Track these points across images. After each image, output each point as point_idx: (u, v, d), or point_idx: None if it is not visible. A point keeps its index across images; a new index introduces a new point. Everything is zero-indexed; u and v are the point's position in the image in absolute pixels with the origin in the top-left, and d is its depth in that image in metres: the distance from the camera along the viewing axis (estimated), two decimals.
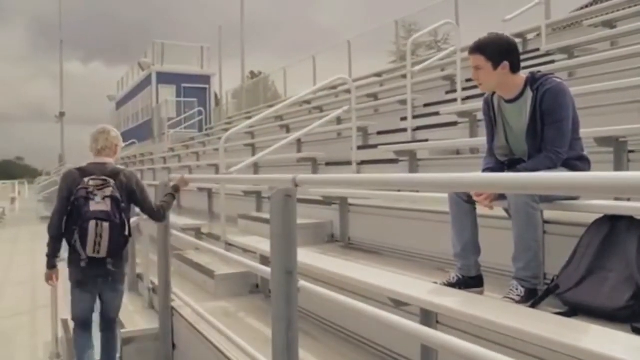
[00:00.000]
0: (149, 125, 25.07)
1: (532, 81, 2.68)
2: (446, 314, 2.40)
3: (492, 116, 2.86)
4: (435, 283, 2.80)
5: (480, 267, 2.77)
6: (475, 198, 2.66)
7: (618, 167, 3.27)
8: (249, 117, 13.84)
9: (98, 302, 3.89)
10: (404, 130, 6.56)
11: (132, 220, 3.95)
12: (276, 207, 2.06)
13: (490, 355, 1.49)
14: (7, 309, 7.70)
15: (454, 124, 5.87)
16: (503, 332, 2.07)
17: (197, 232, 6.26)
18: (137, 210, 4.01)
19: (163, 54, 26.25)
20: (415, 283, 2.94)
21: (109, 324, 3.96)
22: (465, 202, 2.74)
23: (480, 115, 4.13)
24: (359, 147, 6.27)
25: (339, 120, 8.21)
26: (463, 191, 2.60)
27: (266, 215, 4.49)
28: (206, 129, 20.99)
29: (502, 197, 2.59)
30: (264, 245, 4.06)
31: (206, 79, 26.39)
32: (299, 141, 8.26)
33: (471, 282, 2.74)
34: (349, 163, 6.02)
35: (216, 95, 26.98)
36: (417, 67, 7.20)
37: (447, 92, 7.80)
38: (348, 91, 8.57)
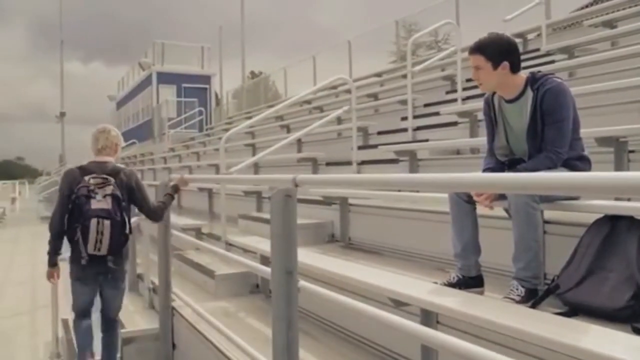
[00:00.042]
0: (150, 125, 25.09)
1: (533, 81, 2.68)
2: (446, 314, 2.40)
3: (492, 116, 2.86)
4: (436, 283, 2.80)
5: (480, 267, 2.77)
6: (475, 198, 2.66)
7: (618, 167, 3.27)
8: (250, 117, 13.84)
9: (99, 300, 3.91)
10: (404, 130, 6.56)
11: (133, 220, 3.97)
12: (276, 207, 2.06)
13: (491, 355, 1.49)
14: (7, 309, 7.70)
15: (454, 124, 5.87)
16: (503, 332, 2.07)
17: (198, 232, 6.26)
18: (137, 210, 4.02)
19: (163, 54, 26.25)
20: (416, 283, 2.94)
21: (110, 324, 3.97)
22: (465, 202, 2.74)
23: (480, 115, 4.14)
24: (359, 147, 6.27)
25: (339, 120, 8.22)
26: (463, 191, 2.60)
27: (266, 215, 4.50)
28: (206, 129, 21.00)
29: (502, 197, 2.59)
30: (264, 245, 4.06)
31: (206, 79, 26.39)
32: (299, 141, 8.26)
33: (471, 282, 2.74)
34: (349, 163, 6.02)
35: (216, 95, 26.99)
36: (418, 67, 7.20)
37: (448, 92, 7.80)
38: (348, 91, 8.57)
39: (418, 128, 6.46)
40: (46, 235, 3.80)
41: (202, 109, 22.49)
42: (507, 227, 2.60)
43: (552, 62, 6.18)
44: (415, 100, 7.30)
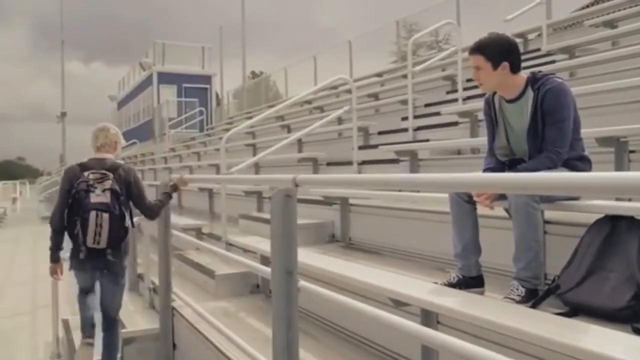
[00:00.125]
0: (150, 125, 25.12)
1: (533, 81, 2.68)
2: (447, 314, 2.39)
3: (492, 116, 2.85)
4: (436, 283, 2.80)
5: (480, 267, 2.77)
6: (475, 198, 2.66)
7: (619, 167, 3.27)
8: (250, 117, 13.84)
9: (99, 298, 3.97)
10: (405, 130, 6.56)
11: (135, 219, 3.99)
12: (276, 207, 2.06)
13: (491, 355, 1.49)
14: (8, 309, 7.72)
15: (455, 124, 5.87)
16: (503, 333, 2.07)
17: (198, 232, 6.26)
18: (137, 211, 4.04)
19: (164, 54, 26.28)
20: (416, 283, 2.93)
21: (111, 323, 3.98)
22: (465, 202, 2.73)
23: (481, 115, 4.13)
24: (360, 147, 6.27)
25: (339, 120, 8.22)
26: (464, 191, 2.60)
27: (267, 215, 4.50)
28: (207, 129, 21.00)
29: (502, 197, 2.59)
30: (264, 245, 4.06)
31: (207, 79, 26.42)
32: (299, 141, 8.26)
33: (472, 282, 2.74)
34: (349, 163, 6.02)
35: (217, 95, 26.99)
36: (418, 67, 7.19)
37: (448, 92, 7.80)
38: (349, 91, 8.57)
39: (419, 128, 6.46)
40: (47, 235, 3.85)
41: (203, 109, 22.50)
42: (507, 227, 2.59)
43: (553, 62, 6.18)
44: (416, 100, 7.30)
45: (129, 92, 31.30)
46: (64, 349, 5.07)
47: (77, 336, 4.60)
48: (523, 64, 2.81)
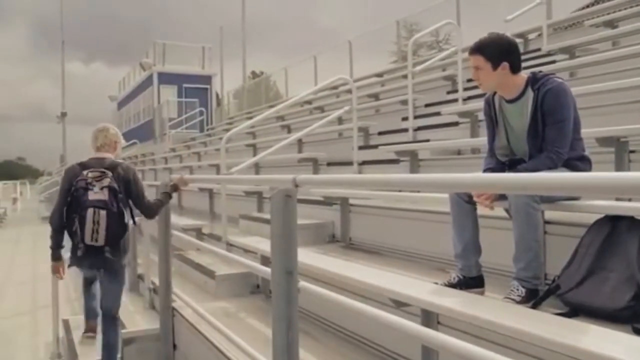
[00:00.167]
0: (151, 126, 25.12)
1: (533, 81, 2.68)
2: (447, 314, 2.39)
3: (493, 116, 2.85)
4: (436, 283, 2.80)
5: (481, 267, 2.77)
6: (475, 198, 2.66)
7: (619, 167, 3.27)
8: (250, 117, 13.84)
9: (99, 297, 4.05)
10: (405, 130, 6.55)
11: (136, 219, 4.01)
12: (276, 208, 2.06)
13: (491, 355, 1.49)
14: (8, 309, 7.71)
15: (455, 124, 5.86)
16: (504, 333, 2.07)
17: (198, 233, 6.26)
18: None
19: (164, 54, 26.28)
20: (416, 283, 2.93)
21: (110, 322, 3.97)
22: (466, 203, 2.73)
23: (481, 116, 4.13)
24: (360, 147, 6.26)
25: (340, 121, 8.21)
26: (464, 191, 2.60)
27: (267, 216, 4.49)
28: (207, 129, 20.99)
29: (502, 197, 2.58)
30: (264, 246, 4.06)
31: (207, 79, 26.41)
32: (300, 141, 8.26)
33: (472, 282, 2.74)
34: (350, 163, 6.01)
35: (217, 96, 26.99)
36: (418, 67, 7.19)
37: (448, 92, 7.80)
38: (349, 91, 8.56)
39: (419, 128, 6.46)
40: (47, 235, 3.87)
41: (203, 109, 22.51)
42: (507, 227, 2.59)
43: (553, 62, 6.18)
44: (416, 100, 7.30)
45: (129, 92, 31.31)
46: (64, 349, 5.06)
47: (77, 336, 4.61)
48: (523, 64, 2.81)
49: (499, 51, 2.66)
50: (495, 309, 2.28)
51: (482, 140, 3.53)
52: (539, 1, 7.39)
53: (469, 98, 6.36)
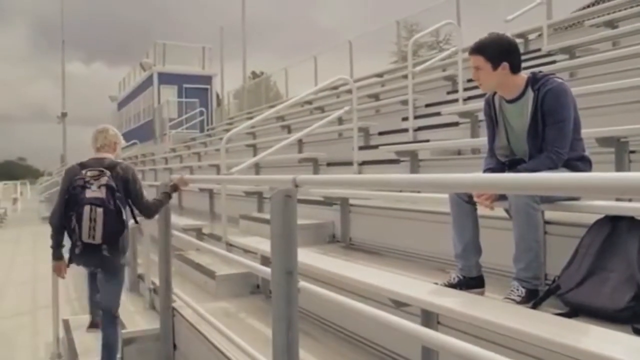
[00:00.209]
0: (151, 126, 25.11)
1: (534, 81, 2.68)
2: (447, 314, 2.39)
3: (493, 116, 2.85)
4: (436, 284, 2.80)
5: (481, 267, 2.77)
6: (475, 199, 2.65)
7: (619, 167, 3.27)
8: (251, 118, 13.85)
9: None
10: (405, 130, 6.55)
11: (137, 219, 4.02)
12: (276, 208, 2.06)
13: (491, 356, 1.49)
14: (8, 309, 7.72)
15: (455, 124, 5.86)
16: (504, 333, 2.07)
17: (198, 233, 6.26)
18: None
19: (164, 55, 26.26)
20: (416, 283, 2.93)
21: (110, 321, 3.98)
22: (466, 203, 2.73)
23: (481, 116, 4.13)
24: (360, 148, 6.26)
25: (340, 121, 8.21)
26: (464, 192, 2.60)
27: (267, 216, 4.49)
28: (207, 130, 21.00)
29: (502, 197, 2.58)
30: (264, 246, 4.06)
31: (207, 79, 26.40)
32: (300, 141, 8.26)
33: (472, 282, 2.73)
34: (350, 163, 6.01)
35: (218, 96, 26.99)
36: (419, 68, 7.19)
37: (449, 93, 7.80)
38: (349, 91, 8.56)
39: (419, 128, 6.46)
40: (47, 235, 3.88)
41: (203, 109, 22.51)
42: (507, 227, 2.59)
43: (554, 62, 6.18)
44: (416, 100, 7.30)
45: (129, 92, 31.30)
46: (64, 349, 5.07)
47: (77, 336, 4.61)
48: (523, 64, 2.81)
49: (499, 51, 2.66)
50: (496, 309, 2.28)
51: (482, 140, 3.53)
52: (539, 1, 7.38)
53: (469, 98, 6.36)
